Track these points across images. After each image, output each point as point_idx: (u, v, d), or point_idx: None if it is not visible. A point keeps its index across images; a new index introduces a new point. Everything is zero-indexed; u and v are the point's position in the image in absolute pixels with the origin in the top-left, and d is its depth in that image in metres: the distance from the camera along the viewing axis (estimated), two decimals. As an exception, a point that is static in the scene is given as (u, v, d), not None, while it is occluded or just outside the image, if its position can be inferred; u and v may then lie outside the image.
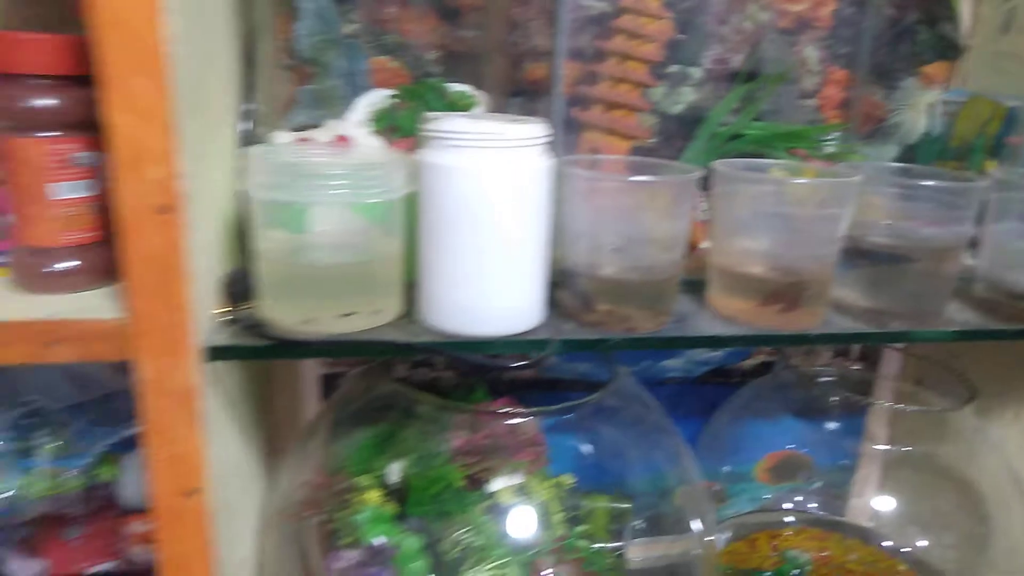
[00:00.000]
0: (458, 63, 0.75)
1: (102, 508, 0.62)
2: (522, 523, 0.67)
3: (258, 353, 0.50)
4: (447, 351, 0.52)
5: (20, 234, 0.52)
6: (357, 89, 0.68)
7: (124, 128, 0.43)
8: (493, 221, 0.50)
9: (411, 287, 0.56)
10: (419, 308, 0.54)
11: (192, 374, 0.48)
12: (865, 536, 0.99)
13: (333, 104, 0.67)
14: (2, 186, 0.53)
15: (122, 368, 0.62)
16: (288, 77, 0.69)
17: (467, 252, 0.51)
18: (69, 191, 0.52)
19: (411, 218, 0.54)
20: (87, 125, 0.51)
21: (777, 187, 0.58)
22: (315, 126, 0.65)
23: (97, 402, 0.62)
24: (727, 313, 0.60)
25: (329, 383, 0.86)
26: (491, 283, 0.52)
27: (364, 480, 0.68)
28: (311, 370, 0.86)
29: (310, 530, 0.70)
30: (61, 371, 0.62)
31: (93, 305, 0.51)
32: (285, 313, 0.52)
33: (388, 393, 0.73)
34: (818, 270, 0.60)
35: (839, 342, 0.86)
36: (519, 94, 0.76)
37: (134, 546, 0.60)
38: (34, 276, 0.53)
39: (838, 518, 1.03)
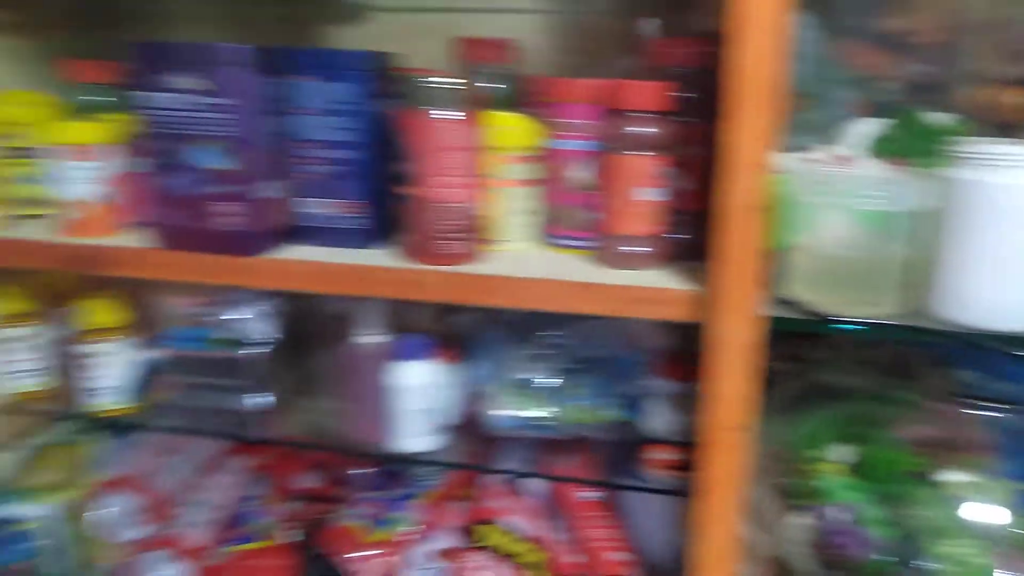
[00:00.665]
0: (917, 93, 0.83)
1: (617, 440, 0.81)
2: (979, 513, 0.73)
3: (805, 325, 0.63)
4: (969, 340, 0.60)
5: (607, 225, 0.72)
6: (840, 117, 0.79)
7: (740, 147, 0.59)
8: (1017, 229, 0.58)
9: (906, 288, 0.65)
10: (930, 303, 0.64)
11: (751, 334, 0.63)
12: None
13: (819, 130, 0.79)
14: (591, 191, 0.74)
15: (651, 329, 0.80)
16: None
17: (993, 255, 0.59)
18: (648, 195, 0.70)
19: (911, 229, 0.64)
20: (667, 147, 0.70)
21: None
22: (805, 149, 0.78)
23: (623, 357, 0.81)
24: None
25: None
26: (1011, 284, 0.59)
27: (823, 453, 0.79)
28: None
29: (762, 490, 0.82)
30: (603, 329, 0.82)
31: (658, 279, 0.68)
32: (812, 296, 0.65)
33: (837, 381, 0.83)
34: None
35: None
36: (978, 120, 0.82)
37: (654, 470, 0.77)
38: (615, 255, 0.72)
39: None
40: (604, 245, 0.73)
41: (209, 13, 1.00)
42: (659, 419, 0.77)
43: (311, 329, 0.91)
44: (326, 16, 0.96)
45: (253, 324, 0.88)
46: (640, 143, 0.69)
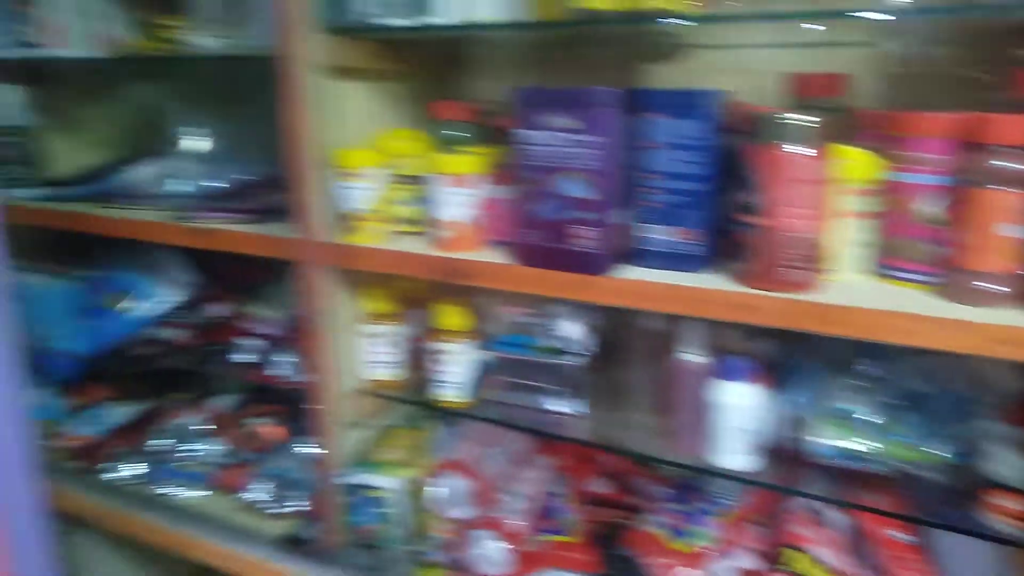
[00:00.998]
0: None
1: (943, 482, 0.78)
2: None
3: None
4: None
5: (959, 260, 0.71)
6: None
7: None
8: None
9: None
10: None
11: None
12: None
13: None
14: (938, 224, 0.73)
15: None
16: None
17: None
18: (1012, 231, 0.68)
19: None
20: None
21: None
22: None
23: (953, 396, 0.79)
24: None
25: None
26: None
27: None
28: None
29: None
30: (927, 365, 0.80)
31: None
32: None
33: None
34: None
35: None
36: None
37: (996, 516, 0.74)
38: (966, 291, 0.70)
39: None
40: (953, 280, 0.72)
41: (539, 57, 1.12)
42: (1005, 465, 0.74)
43: (625, 344, 0.98)
44: (650, 56, 1.04)
45: (574, 335, 0.97)
46: (1006, 178, 0.68)
